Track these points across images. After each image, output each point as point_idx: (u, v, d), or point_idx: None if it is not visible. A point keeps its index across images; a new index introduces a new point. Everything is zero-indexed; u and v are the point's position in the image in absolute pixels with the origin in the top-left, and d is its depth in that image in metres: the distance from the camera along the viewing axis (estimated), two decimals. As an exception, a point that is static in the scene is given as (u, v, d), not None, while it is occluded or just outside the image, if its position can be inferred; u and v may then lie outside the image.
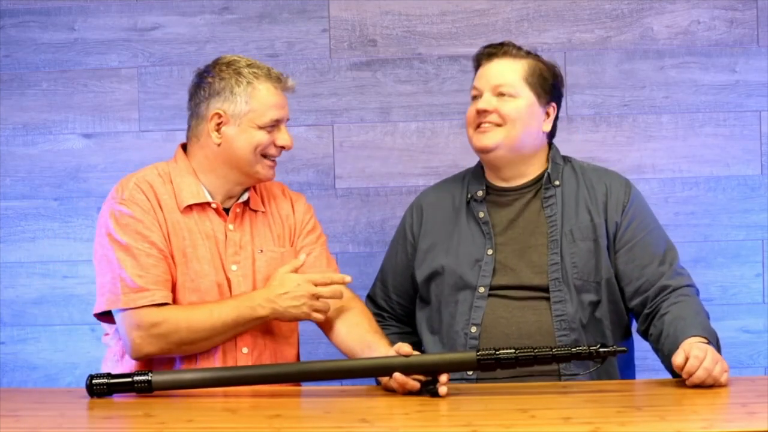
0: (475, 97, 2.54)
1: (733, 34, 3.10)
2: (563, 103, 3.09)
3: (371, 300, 2.72)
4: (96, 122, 3.18)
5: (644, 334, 2.46)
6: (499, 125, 2.49)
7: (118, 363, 2.43)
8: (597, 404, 2.12)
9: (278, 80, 2.46)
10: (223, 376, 2.25)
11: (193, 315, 2.36)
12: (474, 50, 2.58)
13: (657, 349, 2.41)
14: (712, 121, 3.11)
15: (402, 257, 2.65)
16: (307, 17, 3.15)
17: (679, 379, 2.21)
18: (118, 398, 2.22)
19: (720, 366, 2.18)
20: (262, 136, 2.44)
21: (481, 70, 2.55)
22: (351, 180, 3.16)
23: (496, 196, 2.56)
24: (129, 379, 2.21)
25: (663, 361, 2.39)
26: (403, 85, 3.15)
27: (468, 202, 2.57)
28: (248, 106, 2.42)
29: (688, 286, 2.46)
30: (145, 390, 2.21)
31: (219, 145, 2.44)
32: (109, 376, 2.22)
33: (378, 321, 2.65)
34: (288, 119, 2.50)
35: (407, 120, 3.15)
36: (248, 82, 2.43)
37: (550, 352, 2.17)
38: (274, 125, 2.45)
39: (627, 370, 2.55)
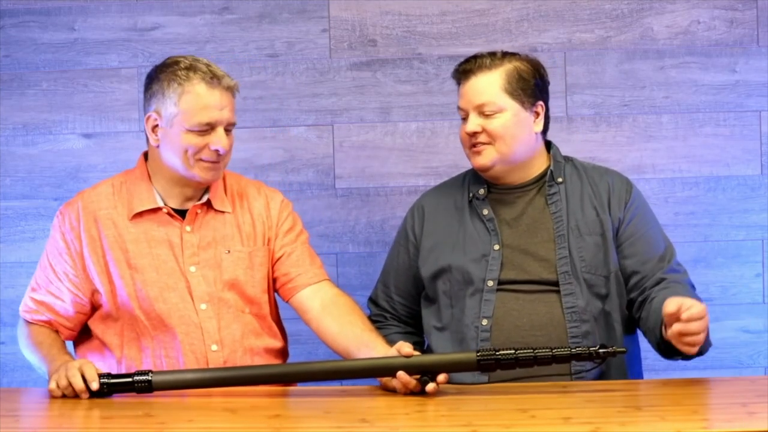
0: (463, 118, 2.54)
1: (733, 34, 3.10)
2: (563, 104, 3.10)
3: (373, 302, 2.72)
4: (96, 122, 3.18)
5: (637, 321, 2.48)
6: (490, 143, 2.49)
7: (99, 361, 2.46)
8: (597, 404, 2.12)
9: (212, 80, 2.37)
10: (223, 376, 2.25)
11: (32, 341, 2.45)
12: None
13: (642, 320, 2.43)
14: (712, 121, 3.11)
15: (404, 258, 2.65)
16: (307, 17, 3.15)
17: (677, 378, 2.22)
18: (118, 398, 2.22)
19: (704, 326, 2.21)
20: (193, 139, 2.38)
21: (461, 89, 2.53)
22: (351, 180, 3.16)
23: (498, 194, 2.57)
24: (129, 379, 2.22)
25: (646, 332, 2.41)
26: (403, 85, 3.15)
27: (470, 201, 2.58)
28: (177, 108, 2.37)
29: (684, 280, 2.48)
30: (145, 390, 2.21)
31: (157, 147, 2.43)
32: (109, 376, 2.22)
33: (380, 322, 2.66)
34: (232, 123, 2.41)
35: (407, 120, 3.15)
36: (179, 84, 2.37)
37: (550, 353, 2.18)
38: (206, 128, 2.38)
39: (635, 367, 2.56)
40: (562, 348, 2.20)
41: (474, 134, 2.49)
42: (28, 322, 2.49)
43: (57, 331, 2.47)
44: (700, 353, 2.33)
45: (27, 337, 2.46)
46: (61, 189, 3.18)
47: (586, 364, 2.40)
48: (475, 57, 2.52)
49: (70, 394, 2.20)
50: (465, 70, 2.51)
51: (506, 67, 2.50)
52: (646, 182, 3.09)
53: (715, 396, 2.16)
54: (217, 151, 2.39)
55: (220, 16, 3.16)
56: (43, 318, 2.47)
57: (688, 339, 2.20)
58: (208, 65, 2.41)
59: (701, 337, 2.21)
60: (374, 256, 3.11)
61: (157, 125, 2.41)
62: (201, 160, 2.40)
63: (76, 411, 2.14)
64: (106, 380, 2.21)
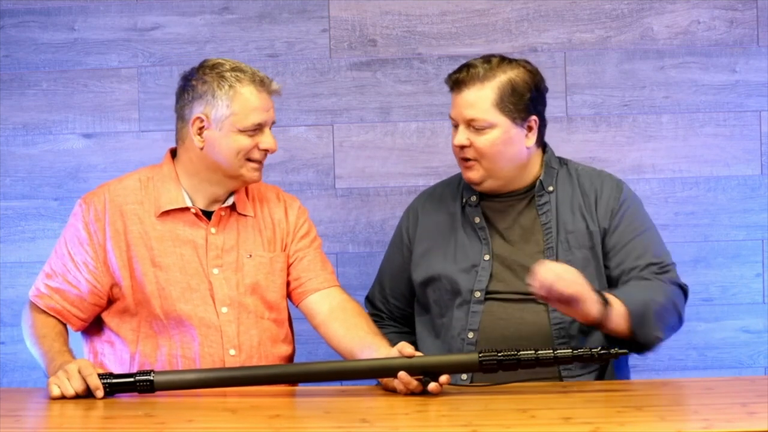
0: (454, 125, 2.50)
1: (733, 34, 3.10)
2: (563, 104, 3.10)
3: (369, 301, 2.72)
4: (96, 122, 3.18)
5: None
6: (477, 160, 2.46)
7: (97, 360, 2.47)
8: (597, 404, 2.12)
9: (262, 83, 2.42)
10: (226, 376, 2.26)
11: (35, 333, 2.43)
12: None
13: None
14: (712, 121, 3.11)
15: (398, 260, 2.65)
16: (307, 17, 3.15)
17: (678, 378, 2.22)
18: (118, 398, 2.22)
19: (571, 280, 2.19)
20: (244, 141, 2.41)
21: (453, 99, 2.48)
22: (351, 180, 3.16)
23: (490, 201, 2.54)
24: (131, 380, 2.22)
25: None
26: (403, 85, 3.15)
27: (463, 208, 2.56)
28: (230, 110, 2.39)
29: (665, 282, 2.42)
30: (147, 390, 2.21)
31: (202, 149, 2.43)
32: (111, 376, 2.22)
33: (376, 322, 2.64)
34: (273, 122, 2.47)
35: (407, 120, 3.15)
36: (230, 86, 2.40)
37: (552, 354, 2.17)
38: (256, 129, 2.42)
39: (623, 371, 2.54)
40: (564, 349, 2.19)
41: (462, 148, 2.46)
42: (37, 310, 2.47)
43: (64, 323, 2.46)
44: (646, 348, 2.32)
45: (31, 326, 2.45)
46: (61, 189, 3.18)
47: (573, 369, 2.40)
48: (468, 66, 2.45)
49: (71, 396, 2.20)
50: (457, 80, 2.46)
51: (500, 80, 2.43)
52: (646, 182, 3.09)
53: (715, 396, 2.16)
54: (266, 150, 2.44)
55: (220, 16, 3.16)
56: (56, 306, 2.45)
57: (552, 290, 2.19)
58: (249, 67, 2.45)
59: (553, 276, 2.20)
60: (374, 256, 3.11)
61: (203, 127, 2.41)
62: (250, 160, 2.43)
63: (77, 411, 2.14)
64: (107, 380, 2.21)
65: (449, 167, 3.05)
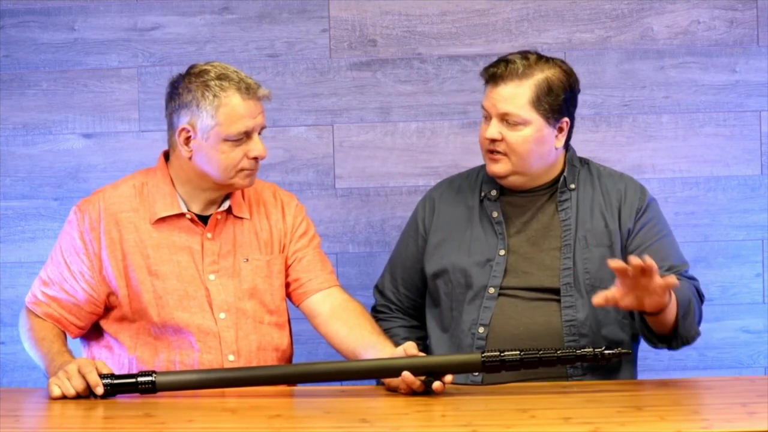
0: (485, 117, 2.48)
1: (733, 34, 3.10)
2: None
3: (379, 291, 2.69)
4: (96, 122, 3.18)
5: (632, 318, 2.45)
6: (506, 154, 2.45)
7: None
8: (597, 404, 2.12)
9: (248, 90, 2.36)
10: (228, 377, 2.25)
11: (33, 336, 2.43)
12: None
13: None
14: (712, 121, 3.11)
15: (413, 249, 2.63)
16: (307, 17, 3.15)
17: (677, 378, 2.22)
18: (118, 398, 2.22)
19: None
20: (232, 152, 2.37)
21: (488, 91, 2.46)
22: (351, 180, 3.16)
23: (510, 196, 2.54)
24: (132, 380, 2.21)
25: (637, 324, 2.40)
26: (403, 85, 3.15)
27: (481, 201, 2.56)
28: (214, 120, 2.35)
29: (689, 280, 2.46)
30: (149, 391, 2.21)
31: (190, 158, 2.40)
32: (112, 376, 2.22)
33: (384, 313, 2.64)
34: (263, 127, 2.41)
35: (407, 120, 3.15)
36: (214, 95, 2.34)
37: (555, 354, 2.17)
38: (243, 137, 2.37)
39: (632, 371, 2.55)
40: (567, 349, 2.19)
41: (493, 141, 2.45)
42: (33, 315, 2.47)
43: (62, 328, 2.45)
44: (685, 341, 2.35)
45: (29, 329, 2.44)
46: (61, 189, 3.18)
47: (578, 369, 2.40)
48: (506, 61, 2.45)
49: (72, 396, 2.20)
50: (494, 74, 2.44)
51: (537, 78, 2.43)
52: (646, 182, 3.07)
53: (715, 396, 2.16)
54: (256, 158, 2.40)
55: (220, 16, 3.16)
56: (54, 314, 2.44)
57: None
58: (237, 73, 2.39)
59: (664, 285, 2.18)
60: (374, 256, 3.12)
61: (189, 137, 2.39)
62: (242, 170, 2.40)
63: (77, 411, 2.14)
64: (109, 381, 2.21)
65: (449, 167, 3.06)
